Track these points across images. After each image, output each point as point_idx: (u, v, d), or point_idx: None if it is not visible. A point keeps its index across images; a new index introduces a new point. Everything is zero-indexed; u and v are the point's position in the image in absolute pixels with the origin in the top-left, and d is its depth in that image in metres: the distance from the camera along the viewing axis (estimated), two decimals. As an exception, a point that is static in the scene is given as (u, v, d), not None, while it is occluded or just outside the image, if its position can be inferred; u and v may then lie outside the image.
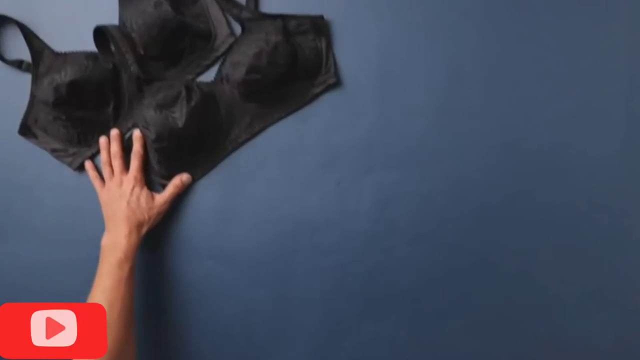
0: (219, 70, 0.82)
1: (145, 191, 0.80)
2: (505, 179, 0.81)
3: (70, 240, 0.85)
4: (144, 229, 0.79)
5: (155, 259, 0.85)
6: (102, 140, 0.82)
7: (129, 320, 0.74)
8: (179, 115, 0.77)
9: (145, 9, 0.78)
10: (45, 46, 0.84)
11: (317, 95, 0.82)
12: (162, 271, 0.85)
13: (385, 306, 0.82)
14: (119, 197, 0.79)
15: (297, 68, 0.80)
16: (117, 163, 0.81)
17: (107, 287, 0.74)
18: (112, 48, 0.81)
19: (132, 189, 0.79)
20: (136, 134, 0.81)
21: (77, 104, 0.80)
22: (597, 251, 0.81)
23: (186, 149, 0.81)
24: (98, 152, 0.83)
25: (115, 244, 0.76)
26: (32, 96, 0.82)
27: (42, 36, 0.84)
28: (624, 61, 0.81)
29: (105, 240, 0.78)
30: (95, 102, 0.81)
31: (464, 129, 0.82)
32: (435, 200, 0.82)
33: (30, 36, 0.84)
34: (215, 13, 0.83)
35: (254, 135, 0.83)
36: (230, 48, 0.81)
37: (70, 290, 0.85)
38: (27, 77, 0.83)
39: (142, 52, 0.79)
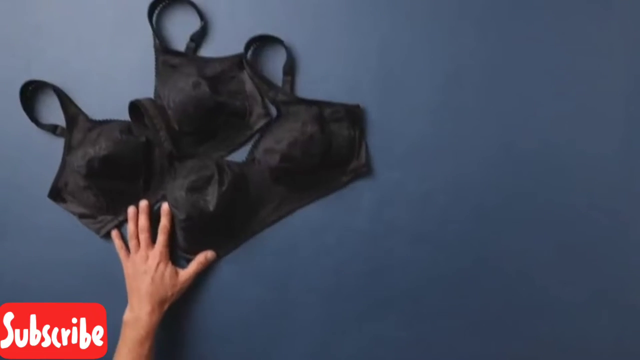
0: (251, 151, 0.82)
1: (170, 267, 0.80)
2: (505, 179, 0.81)
3: (71, 240, 0.84)
4: (166, 306, 0.79)
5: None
6: (131, 210, 0.82)
7: None
8: (211, 199, 0.77)
9: (183, 87, 0.78)
10: (80, 112, 0.84)
11: (346, 183, 0.82)
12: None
13: (385, 306, 0.82)
14: (144, 272, 0.79)
15: (330, 156, 0.79)
16: (144, 237, 0.81)
17: None
18: (146, 122, 0.81)
19: (157, 265, 0.79)
20: (164, 208, 0.81)
21: (109, 176, 0.80)
22: (597, 251, 0.80)
23: (214, 229, 0.80)
24: (125, 220, 0.83)
25: (137, 320, 0.76)
26: (64, 161, 0.83)
27: (77, 101, 0.85)
28: (624, 61, 0.81)
29: (128, 316, 0.78)
30: (127, 175, 0.81)
31: (463, 129, 0.82)
32: (435, 200, 0.82)
33: (66, 101, 0.84)
34: (251, 90, 0.83)
35: (281, 217, 0.83)
36: (264, 130, 0.81)
37: (70, 290, 0.85)
38: (60, 139, 0.84)
39: (176, 127, 0.79)
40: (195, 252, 0.82)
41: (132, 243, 0.82)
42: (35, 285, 0.86)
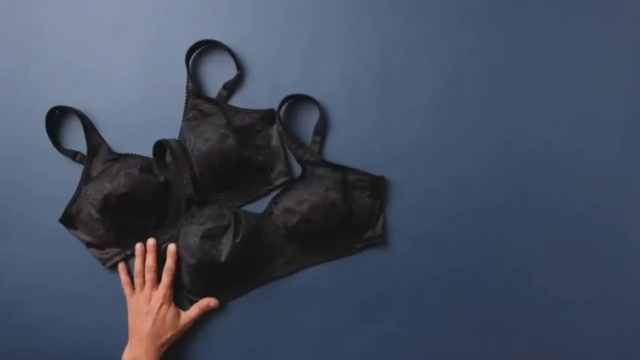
0: (270, 206, 0.82)
1: (172, 309, 0.81)
2: (505, 178, 0.81)
3: (71, 240, 0.85)
4: (165, 347, 0.80)
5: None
6: (138, 247, 0.82)
7: None
8: (223, 249, 0.77)
9: (209, 137, 0.78)
10: (103, 142, 0.85)
11: (358, 250, 0.82)
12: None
13: (385, 306, 0.82)
14: (146, 313, 0.79)
15: (348, 223, 0.79)
16: (149, 277, 0.81)
17: None
18: (168, 160, 0.82)
19: (160, 307, 0.80)
20: (171, 248, 0.81)
21: (123, 212, 0.80)
22: (597, 251, 0.80)
23: (221, 277, 0.80)
24: (133, 255, 0.84)
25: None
26: (79, 190, 0.83)
27: (77, 101, 0.86)
28: (624, 61, 0.81)
29: (127, 355, 0.78)
30: (141, 212, 0.82)
31: (463, 129, 0.82)
32: (435, 200, 0.82)
33: (90, 130, 0.84)
34: (276, 145, 0.83)
35: (290, 273, 0.83)
36: (286, 188, 0.81)
37: (71, 289, 0.86)
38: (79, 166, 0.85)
39: (197, 174, 0.80)
40: (200, 295, 0.82)
41: (137, 281, 0.82)
42: (35, 286, 0.87)
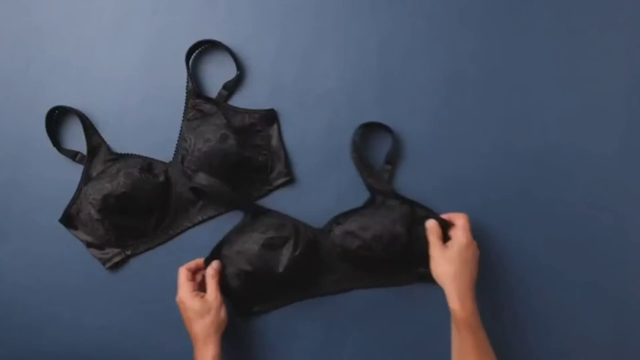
0: (330, 224, 0.80)
1: (197, 300, 0.75)
2: (505, 178, 0.82)
3: (71, 240, 0.85)
4: (219, 333, 0.75)
5: (155, 258, 0.85)
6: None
7: None
8: (282, 260, 0.76)
9: (210, 138, 0.78)
10: (103, 142, 0.85)
11: (409, 283, 0.81)
12: (162, 271, 0.85)
13: (385, 306, 0.82)
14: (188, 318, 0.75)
15: (408, 255, 0.78)
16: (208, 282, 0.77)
17: None
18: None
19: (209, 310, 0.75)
20: (211, 270, 0.77)
21: (123, 212, 0.80)
22: (597, 250, 0.80)
23: (272, 287, 0.80)
24: (133, 254, 0.84)
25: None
26: (79, 190, 0.83)
27: (77, 102, 0.86)
28: (624, 61, 0.81)
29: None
30: (140, 212, 0.82)
31: (463, 129, 0.82)
32: (435, 200, 0.82)
33: (90, 130, 0.84)
34: (276, 146, 0.83)
35: (337, 292, 0.82)
36: (353, 211, 0.79)
37: (71, 289, 0.86)
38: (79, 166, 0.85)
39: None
40: (246, 301, 0.81)
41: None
42: (35, 286, 0.87)
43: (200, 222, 0.84)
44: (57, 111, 0.85)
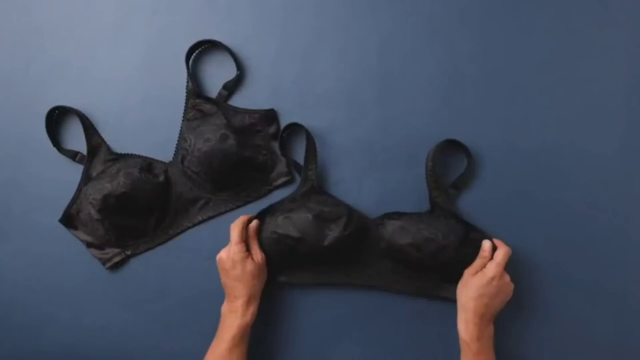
0: (382, 217, 0.78)
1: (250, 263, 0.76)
2: (505, 178, 0.81)
3: (71, 240, 0.85)
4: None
5: (155, 258, 0.85)
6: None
7: None
8: (330, 235, 0.75)
9: (210, 138, 0.78)
10: (103, 142, 0.85)
11: (438, 296, 0.80)
12: (162, 271, 0.85)
13: (385, 306, 0.82)
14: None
15: (448, 271, 0.77)
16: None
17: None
18: None
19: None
20: (252, 232, 0.78)
21: (123, 212, 0.80)
22: (597, 250, 0.80)
23: (310, 259, 0.78)
24: (133, 254, 0.84)
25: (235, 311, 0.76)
26: (79, 190, 0.83)
27: (76, 101, 0.86)
28: (624, 61, 0.81)
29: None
30: (140, 212, 0.82)
31: (463, 129, 0.82)
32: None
33: (90, 130, 0.84)
34: (276, 145, 0.83)
35: (366, 286, 0.81)
36: (412, 215, 0.77)
37: (71, 289, 0.86)
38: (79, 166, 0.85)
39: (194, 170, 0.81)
40: (281, 268, 0.81)
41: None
42: (35, 286, 0.87)
43: (200, 222, 0.84)
44: (57, 111, 0.85)
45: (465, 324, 0.73)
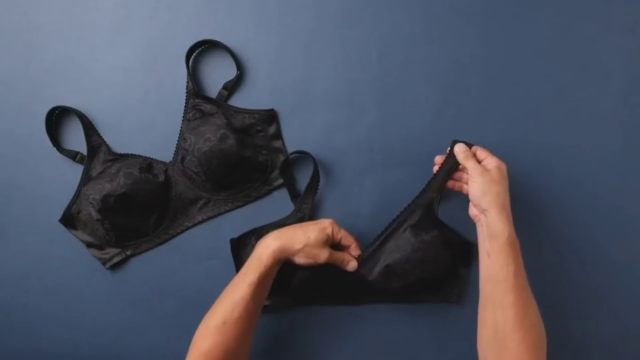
0: (368, 247, 0.78)
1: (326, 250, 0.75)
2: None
3: (71, 240, 0.85)
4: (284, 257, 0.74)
5: (155, 258, 0.85)
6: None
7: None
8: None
9: (210, 138, 0.78)
10: (102, 142, 0.85)
11: (429, 302, 0.81)
12: (162, 271, 0.85)
13: (385, 306, 0.82)
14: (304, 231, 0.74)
15: (431, 282, 0.77)
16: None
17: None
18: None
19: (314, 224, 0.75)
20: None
21: (123, 213, 0.80)
22: (597, 250, 0.80)
23: (298, 283, 0.78)
24: (133, 254, 0.84)
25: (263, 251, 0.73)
26: (79, 190, 0.83)
27: (76, 101, 0.86)
28: (624, 61, 0.81)
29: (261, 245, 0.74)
30: (140, 212, 0.82)
31: (463, 129, 0.82)
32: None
33: (90, 130, 0.84)
34: (276, 145, 0.83)
35: (356, 304, 0.82)
36: (403, 226, 0.77)
37: (71, 289, 0.86)
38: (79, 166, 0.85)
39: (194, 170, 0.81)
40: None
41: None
42: (35, 286, 0.87)
43: (200, 222, 0.84)
44: (57, 111, 0.85)
45: (509, 221, 0.67)
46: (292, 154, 0.82)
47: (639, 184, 0.80)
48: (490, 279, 0.67)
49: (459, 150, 0.73)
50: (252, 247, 0.78)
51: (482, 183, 0.69)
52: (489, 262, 0.67)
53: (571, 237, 0.81)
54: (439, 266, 0.75)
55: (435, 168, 0.76)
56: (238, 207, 0.84)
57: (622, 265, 0.80)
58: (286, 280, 0.77)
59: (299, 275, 0.77)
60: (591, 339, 0.80)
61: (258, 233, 0.79)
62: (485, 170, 0.70)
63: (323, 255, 0.74)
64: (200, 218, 0.84)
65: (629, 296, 0.80)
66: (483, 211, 0.69)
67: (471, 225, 0.73)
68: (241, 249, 0.81)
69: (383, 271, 0.76)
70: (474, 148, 0.73)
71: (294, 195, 0.82)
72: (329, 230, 0.75)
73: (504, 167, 0.70)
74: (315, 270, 0.75)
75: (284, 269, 0.75)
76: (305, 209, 0.80)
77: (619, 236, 0.80)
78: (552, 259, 0.81)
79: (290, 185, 0.82)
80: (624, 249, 0.80)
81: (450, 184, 0.76)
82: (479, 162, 0.72)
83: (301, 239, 0.73)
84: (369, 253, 0.77)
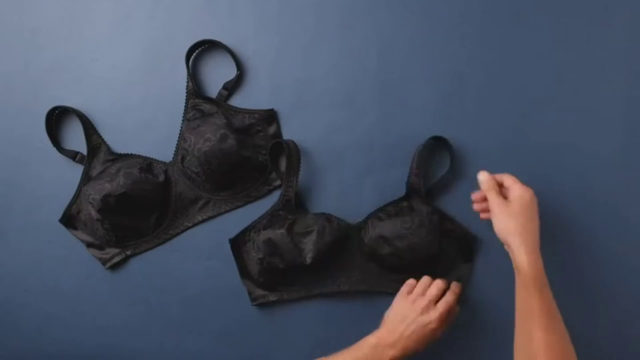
0: (365, 221, 0.80)
1: (435, 334, 0.73)
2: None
3: (71, 240, 0.85)
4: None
5: (155, 258, 0.85)
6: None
7: None
8: (306, 248, 0.77)
9: (210, 137, 0.78)
10: (102, 142, 0.85)
11: None
12: (162, 271, 0.85)
13: (386, 304, 0.82)
14: (412, 321, 0.72)
15: (433, 266, 0.78)
16: (434, 292, 0.74)
17: None
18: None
19: (427, 325, 0.72)
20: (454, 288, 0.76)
21: (123, 213, 0.80)
22: (597, 250, 0.80)
23: (292, 276, 0.80)
24: (133, 254, 0.84)
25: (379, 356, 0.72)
26: (79, 190, 0.83)
27: (76, 101, 0.86)
28: (624, 61, 0.81)
29: (375, 342, 0.72)
30: (140, 212, 0.82)
31: (463, 129, 0.82)
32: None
33: (89, 130, 0.84)
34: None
35: (353, 291, 0.81)
36: (390, 210, 0.79)
37: (71, 289, 0.86)
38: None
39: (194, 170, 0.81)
40: (267, 287, 0.82)
41: (420, 286, 0.76)
42: (35, 286, 0.87)
43: (200, 222, 0.84)
44: (57, 111, 0.85)
45: (528, 256, 0.66)
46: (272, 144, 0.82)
47: (639, 184, 0.80)
48: (519, 309, 0.68)
49: (482, 179, 0.72)
50: (253, 243, 0.79)
51: (501, 217, 0.69)
52: (517, 294, 0.68)
53: (571, 236, 0.81)
54: (432, 243, 0.76)
55: (475, 206, 0.76)
56: (238, 207, 0.84)
57: (622, 265, 0.80)
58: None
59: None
60: (591, 339, 0.80)
61: (255, 228, 0.80)
62: (506, 203, 0.69)
63: (434, 320, 0.72)
64: (200, 218, 0.84)
65: (629, 296, 0.80)
66: (507, 244, 0.69)
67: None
68: (241, 247, 0.81)
69: (374, 238, 0.77)
70: (499, 176, 0.72)
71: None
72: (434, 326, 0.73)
73: (528, 195, 0.69)
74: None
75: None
76: (290, 192, 0.80)
77: (619, 236, 0.80)
78: (551, 258, 0.80)
79: (279, 172, 0.83)
80: (624, 249, 0.80)
81: (482, 215, 0.75)
82: (504, 189, 0.71)
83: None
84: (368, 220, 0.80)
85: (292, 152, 0.79)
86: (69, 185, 0.84)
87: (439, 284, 0.75)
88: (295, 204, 0.80)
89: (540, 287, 0.66)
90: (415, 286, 0.76)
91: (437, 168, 0.82)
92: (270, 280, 0.81)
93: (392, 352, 0.71)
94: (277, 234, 0.77)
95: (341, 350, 0.73)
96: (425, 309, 0.73)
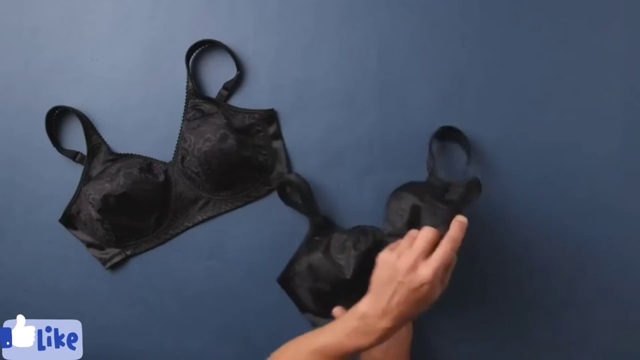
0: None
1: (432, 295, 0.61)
2: (505, 179, 0.81)
3: (71, 240, 0.85)
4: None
5: (155, 258, 0.86)
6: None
7: None
8: (343, 262, 0.76)
9: (210, 137, 0.78)
10: (102, 142, 0.85)
11: None
12: (162, 271, 0.85)
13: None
14: (399, 283, 0.59)
15: None
16: (421, 245, 0.61)
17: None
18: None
19: (421, 287, 0.59)
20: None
21: (123, 213, 0.81)
22: (597, 250, 0.80)
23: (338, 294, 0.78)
24: (133, 254, 0.85)
25: (367, 326, 0.61)
26: (79, 190, 0.83)
27: (76, 100, 0.86)
28: (624, 62, 0.81)
29: (360, 313, 0.61)
30: (141, 212, 0.82)
31: (463, 129, 0.82)
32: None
33: (89, 130, 0.84)
34: (277, 146, 0.83)
35: None
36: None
37: (71, 289, 0.86)
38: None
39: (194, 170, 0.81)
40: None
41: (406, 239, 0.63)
42: (35, 286, 0.87)
43: (200, 222, 0.85)
44: (57, 111, 0.85)
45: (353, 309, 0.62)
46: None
47: (639, 184, 0.80)
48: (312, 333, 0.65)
49: (455, 224, 0.64)
50: (299, 275, 0.79)
51: (382, 257, 0.62)
52: (334, 324, 0.63)
53: (571, 236, 0.81)
54: None
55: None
56: (238, 207, 0.84)
57: (623, 265, 0.80)
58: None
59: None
60: (591, 339, 0.80)
61: (297, 260, 0.80)
62: (400, 254, 0.61)
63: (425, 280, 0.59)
64: (200, 218, 0.84)
65: (629, 296, 0.80)
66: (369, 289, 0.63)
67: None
68: (289, 283, 0.81)
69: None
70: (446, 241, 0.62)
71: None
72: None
73: (403, 267, 0.59)
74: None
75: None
76: (317, 217, 0.80)
77: (619, 236, 0.80)
78: (551, 258, 0.81)
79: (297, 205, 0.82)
80: (624, 249, 0.80)
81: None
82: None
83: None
84: None
85: (300, 185, 0.79)
86: (69, 185, 0.84)
87: (426, 233, 0.61)
88: (325, 226, 0.80)
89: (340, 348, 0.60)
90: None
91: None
92: (324, 305, 0.78)
93: (383, 324, 0.60)
94: (315, 258, 0.77)
95: (329, 323, 0.65)
96: (413, 267, 0.59)
